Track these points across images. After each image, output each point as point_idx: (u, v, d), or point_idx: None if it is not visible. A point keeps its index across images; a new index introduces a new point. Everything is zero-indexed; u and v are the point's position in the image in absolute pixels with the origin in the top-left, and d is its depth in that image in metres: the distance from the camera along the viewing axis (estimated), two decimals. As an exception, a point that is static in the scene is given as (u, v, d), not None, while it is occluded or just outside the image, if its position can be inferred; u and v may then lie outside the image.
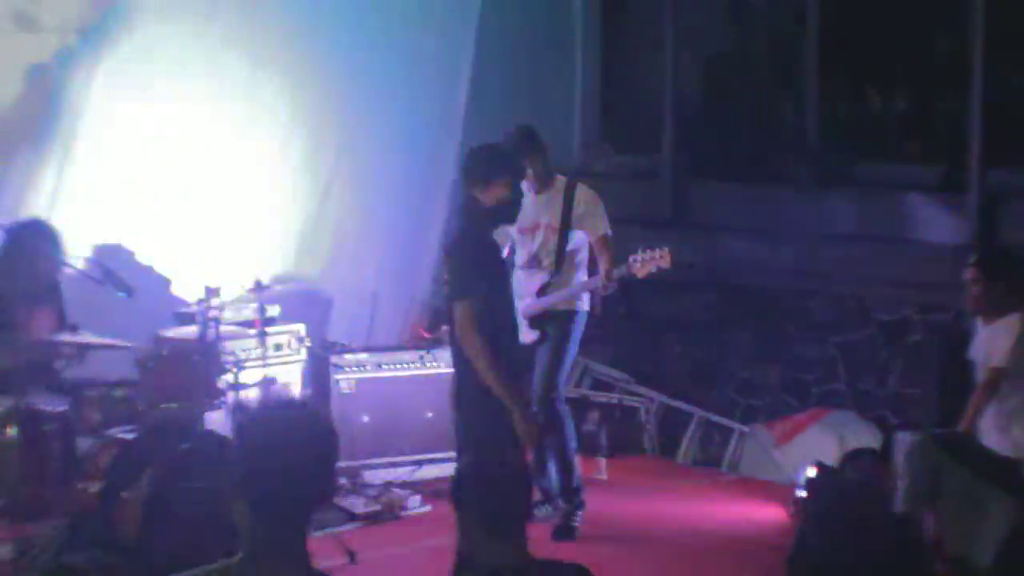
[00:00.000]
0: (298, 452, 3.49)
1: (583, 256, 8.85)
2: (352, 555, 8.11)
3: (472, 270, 6.76)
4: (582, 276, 8.83)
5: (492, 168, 6.95)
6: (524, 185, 8.62)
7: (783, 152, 11.68)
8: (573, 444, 8.81)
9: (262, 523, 3.48)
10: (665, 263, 8.41)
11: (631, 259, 8.45)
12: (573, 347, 8.83)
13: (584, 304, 8.84)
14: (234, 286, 9.30)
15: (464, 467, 4.72)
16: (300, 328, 9.66)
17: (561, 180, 8.86)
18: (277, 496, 3.47)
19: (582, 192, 8.79)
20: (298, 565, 3.52)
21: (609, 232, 8.74)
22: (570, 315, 8.77)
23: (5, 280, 8.02)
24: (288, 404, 3.99)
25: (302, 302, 10.26)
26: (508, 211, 7.04)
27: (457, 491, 4.60)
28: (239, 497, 3.48)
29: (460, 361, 6.95)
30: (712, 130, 11.89)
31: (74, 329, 8.07)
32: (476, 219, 6.91)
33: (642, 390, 10.92)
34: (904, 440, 8.14)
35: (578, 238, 8.78)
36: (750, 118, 11.85)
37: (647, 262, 8.42)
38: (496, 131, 8.87)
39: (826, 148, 11.30)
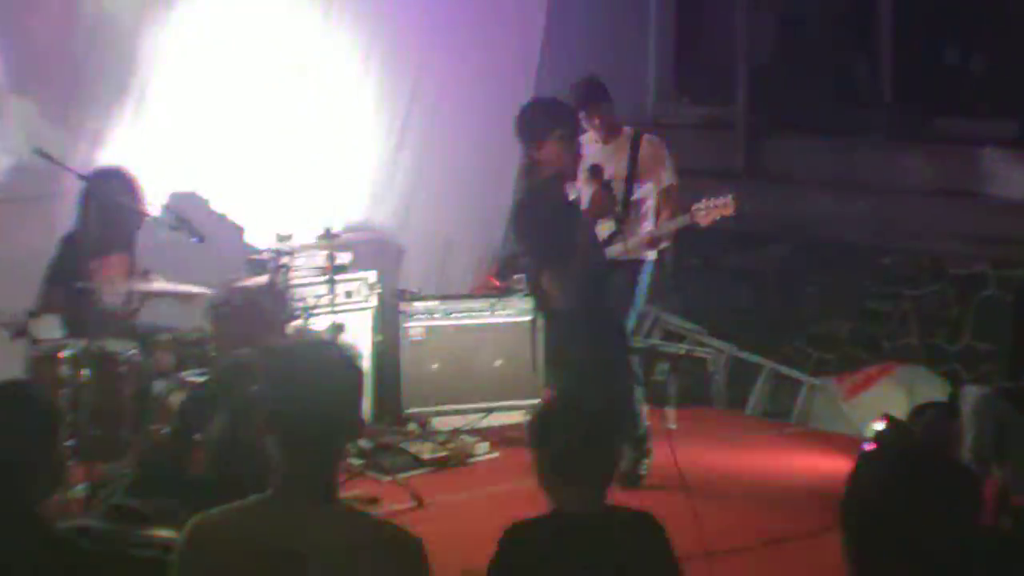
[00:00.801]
0: (324, 387, 3.55)
1: (649, 206, 8.80)
2: (419, 500, 8.19)
3: (544, 238, 6.60)
4: (649, 226, 8.80)
5: (542, 125, 6.78)
6: (588, 136, 8.65)
7: (857, 106, 11.61)
8: (637, 392, 8.80)
9: (290, 458, 3.55)
10: (729, 211, 8.37)
11: (694, 208, 8.43)
12: (640, 297, 8.81)
13: (651, 254, 8.83)
14: (306, 234, 9.36)
15: (544, 408, 4.71)
16: (371, 276, 9.71)
17: (627, 131, 8.82)
18: (304, 431, 3.53)
19: (648, 142, 8.77)
20: (326, 499, 3.58)
21: (674, 182, 8.72)
22: (637, 265, 8.74)
23: (83, 227, 8.09)
24: (314, 341, 4.06)
25: (374, 250, 10.31)
26: (566, 167, 6.90)
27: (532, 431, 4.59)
28: (268, 432, 3.55)
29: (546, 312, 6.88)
30: (786, 82, 11.83)
31: (147, 275, 8.14)
32: (537, 180, 6.76)
33: (712, 341, 10.90)
34: (971, 393, 8.12)
35: (644, 188, 8.75)
36: (825, 70, 11.77)
37: (711, 210, 8.40)
38: (570, 81, 8.87)
39: (900, 102, 11.22)
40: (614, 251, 8.60)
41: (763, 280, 11.27)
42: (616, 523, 4.49)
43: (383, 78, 10.62)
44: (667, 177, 8.74)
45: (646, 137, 8.82)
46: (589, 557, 4.32)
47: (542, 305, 6.85)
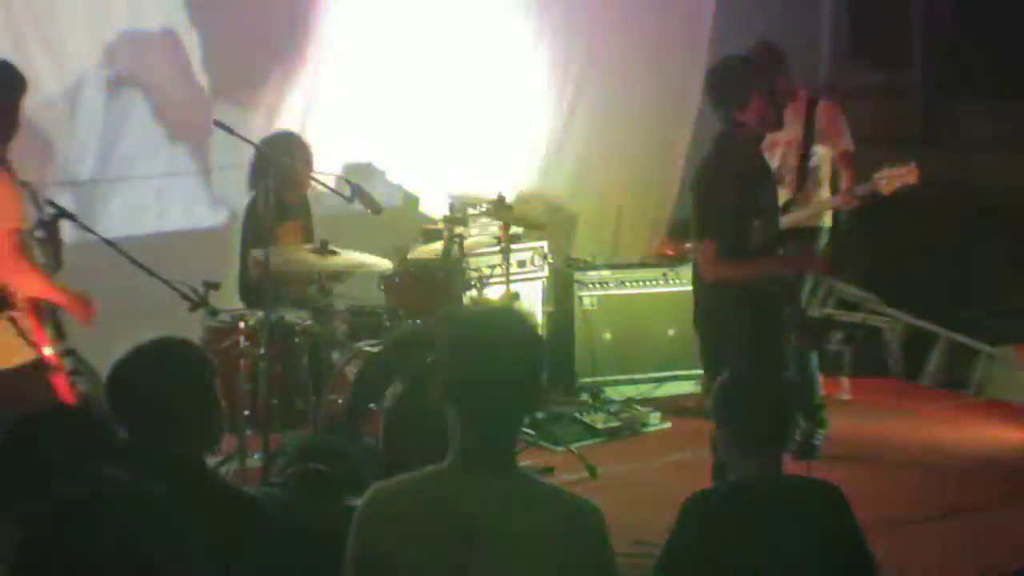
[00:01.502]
0: (507, 356, 3.52)
1: (824, 172, 8.73)
2: (592, 469, 8.22)
3: (714, 208, 6.44)
4: (824, 193, 8.72)
5: (745, 84, 6.49)
6: None
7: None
8: (814, 362, 8.73)
9: (471, 428, 3.54)
10: (912, 179, 8.19)
11: (876, 176, 8.25)
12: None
13: (827, 221, 8.73)
14: (480, 204, 9.40)
15: (727, 381, 4.70)
16: (544, 245, 9.73)
17: (803, 95, 8.72)
18: (486, 400, 3.52)
19: (824, 107, 8.66)
20: (505, 468, 3.58)
21: (851, 147, 8.60)
22: (813, 233, 8.65)
23: (258, 194, 8.18)
24: (495, 309, 4.04)
25: (547, 219, 10.32)
26: (772, 124, 6.61)
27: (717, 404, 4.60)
28: (448, 403, 3.55)
29: (700, 287, 6.79)
30: (964, 45, 11.61)
31: (325, 246, 8.22)
32: (737, 143, 6.48)
33: (888, 310, 10.76)
34: None
35: (820, 154, 8.67)
36: (1004, 32, 11.53)
37: (893, 178, 8.20)
38: (743, 49, 8.78)
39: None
40: (789, 219, 8.48)
41: (940, 248, 11.09)
42: (797, 493, 4.48)
43: (555, 46, 10.63)
44: (844, 142, 8.63)
45: (822, 102, 8.72)
46: (771, 527, 4.32)
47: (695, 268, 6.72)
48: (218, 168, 9.24)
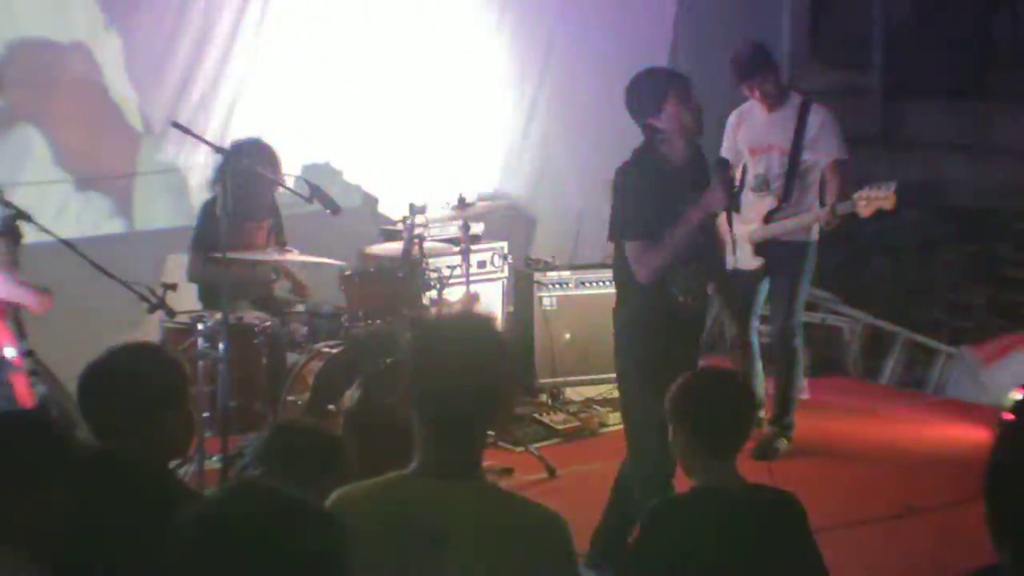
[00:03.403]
0: (468, 364, 3.49)
1: (813, 179, 8.46)
2: (551, 470, 8.22)
3: (632, 208, 6.39)
4: (813, 201, 8.46)
5: (658, 91, 6.49)
6: (752, 105, 8.52)
7: (997, 66, 11.42)
8: (800, 382, 8.67)
9: (436, 435, 3.52)
10: (889, 204, 8.02)
11: (856, 196, 8.10)
12: (807, 281, 8.60)
13: (815, 234, 8.50)
14: (439, 204, 9.39)
15: (686, 382, 4.69)
16: (504, 245, 9.73)
17: (796, 98, 8.50)
18: (451, 408, 3.50)
19: (817, 112, 8.43)
20: (469, 475, 3.56)
21: (844, 156, 8.39)
22: (803, 247, 8.48)
23: (221, 198, 8.15)
24: (459, 315, 4.01)
25: (506, 220, 10.33)
26: (690, 127, 6.54)
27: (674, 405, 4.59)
28: (413, 409, 3.53)
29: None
30: (922, 46, 11.66)
31: (282, 247, 8.21)
32: (655, 147, 6.45)
33: (847, 310, 10.80)
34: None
35: (810, 161, 8.41)
36: (962, 32, 11.58)
37: (872, 201, 8.08)
38: (703, 50, 8.79)
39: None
40: (772, 230, 8.40)
41: (899, 248, 11.14)
42: (758, 500, 4.48)
43: (515, 48, 10.64)
44: (836, 150, 8.43)
45: (815, 106, 8.51)
46: (732, 534, 4.31)
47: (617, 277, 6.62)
48: (176, 170, 9.20)
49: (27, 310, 6.68)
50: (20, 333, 6.65)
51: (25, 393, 6.45)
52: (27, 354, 6.65)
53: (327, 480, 4.81)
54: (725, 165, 7.47)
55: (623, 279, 6.48)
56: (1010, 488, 2.94)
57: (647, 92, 6.39)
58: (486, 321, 3.68)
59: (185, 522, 2.73)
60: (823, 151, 8.35)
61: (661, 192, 6.26)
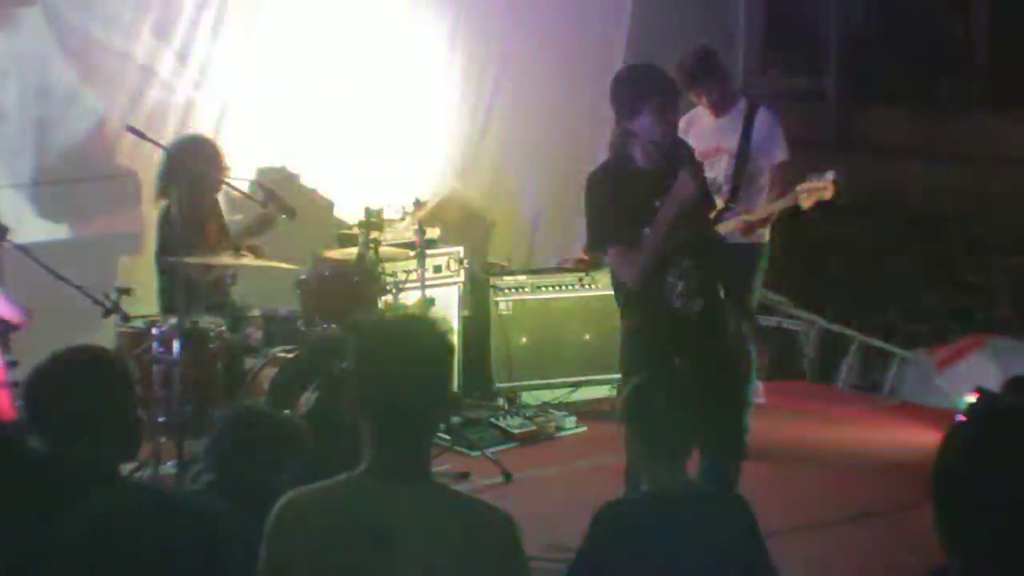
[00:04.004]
0: (415, 365, 3.50)
1: (763, 183, 8.46)
2: (508, 475, 8.22)
3: (605, 214, 6.38)
4: (761, 203, 8.46)
5: (638, 94, 6.48)
6: (700, 110, 8.52)
7: (952, 72, 11.48)
8: (753, 386, 8.66)
9: (382, 437, 3.53)
10: (828, 194, 8.03)
11: (797, 190, 8.16)
12: (759, 282, 8.62)
13: (766, 235, 8.52)
14: (395, 208, 9.38)
15: (639, 383, 4.70)
16: (460, 250, 9.73)
17: (742, 103, 8.53)
18: (396, 410, 3.51)
19: (764, 115, 8.45)
20: (418, 476, 3.56)
21: (786, 159, 8.42)
22: (755, 249, 8.48)
23: (171, 200, 8.13)
24: (403, 317, 4.03)
25: (462, 224, 10.33)
26: (659, 134, 6.52)
27: (626, 406, 4.59)
28: (358, 411, 3.54)
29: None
30: (878, 52, 11.71)
31: (237, 250, 8.19)
32: (626, 150, 6.46)
33: (802, 314, 10.84)
34: (1065, 366, 8.02)
35: (759, 164, 8.42)
36: (917, 39, 11.64)
37: (812, 192, 8.10)
38: (659, 54, 8.77)
39: (997, 67, 11.08)
40: (722, 231, 8.37)
41: (854, 252, 11.18)
42: (708, 502, 4.49)
43: (470, 51, 10.63)
44: (779, 153, 8.46)
45: (762, 109, 8.51)
46: (682, 536, 4.32)
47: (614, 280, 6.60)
48: (128, 173, 9.16)
49: (10, 323, 6.68)
50: (5, 345, 6.63)
51: (7, 407, 6.42)
52: (12, 365, 6.64)
53: (287, 464, 4.83)
54: (691, 153, 7.45)
55: (618, 290, 6.48)
56: (957, 491, 2.96)
57: (626, 95, 6.38)
58: (428, 321, 3.69)
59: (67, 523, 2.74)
60: (769, 154, 8.38)
61: (632, 194, 6.26)
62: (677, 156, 6.38)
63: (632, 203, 6.24)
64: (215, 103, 9.44)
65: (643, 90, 6.35)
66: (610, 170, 6.41)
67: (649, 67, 6.73)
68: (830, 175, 8.07)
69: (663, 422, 4.47)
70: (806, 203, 8.12)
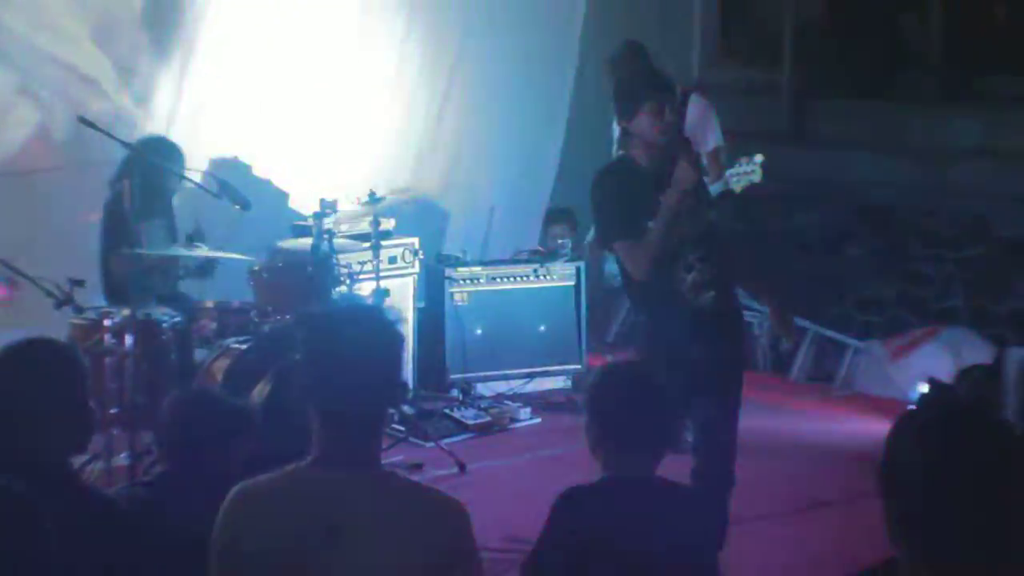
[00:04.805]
0: (362, 355, 3.51)
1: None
2: (462, 465, 8.22)
3: (610, 211, 6.41)
4: None
5: (633, 97, 6.49)
6: None
7: (906, 66, 11.52)
8: None
9: (330, 427, 3.54)
10: (756, 178, 8.08)
11: (728, 173, 8.20)
12: None
13: None
14: (350, 199, 9.36)
15: (600, 373, 4.69)
16: (415, 241, 9.72)
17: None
18: (343, 400, 3.51)
19: (695, 103, 8.54)
20: (368, 466, 3.57)
21: (721, 144, 8.51)
22: None
23: (123, 192, 8.10)
24: (351, 307, 4.02)
25: (418, 215, 10.32)
26: (652, 138, 6.52)
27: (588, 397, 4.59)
28: (307, 402, 3.54)
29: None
30: (833, 44, 11.74)
31: (190, 242, 8.16)
32: (628, 150, 6.47)
33: (756, 305, 10.84)
34: (1016, 356, 8.06)
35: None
36: (872, 31, 11.68)
37: (741, 176, 8.13)
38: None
39: (950, 61, 11.12)
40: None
41: (808, 243, 11.21)
42: (665, 494, 4.49)
43: (426, 44, 10.62)
44: (713, 139, 8.55)
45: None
46: (640, 526, 4.32)
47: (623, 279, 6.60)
48: (79, 165, 9.11)
49: None
50: None
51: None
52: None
53: (235, 444, 4.83)
54: (687, 143, 7.47)
55: (629, 287, 6.50)
56: (905, 482, 2.97)
57: (625, 96, 6.42)
58: (375, 309, 3.70)
59: None
60: (703, 140, 8.43)
61: (635, 191, 6.28)
62: (675, 152, 6.41)
63: (637, 200, 6.26)
64: (169, 92, 9.41)
65: (639, 92, 6.39)
66: (614, 169, 6.48)
67: (646, 68, 6.81)
68: (758, 158, 8.06)
69: (626, 413, 4.47)
70: (737, 187, 8.15)
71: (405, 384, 3.67)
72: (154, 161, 8.03)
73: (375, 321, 3.61)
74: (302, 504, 3.50)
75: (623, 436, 4.45)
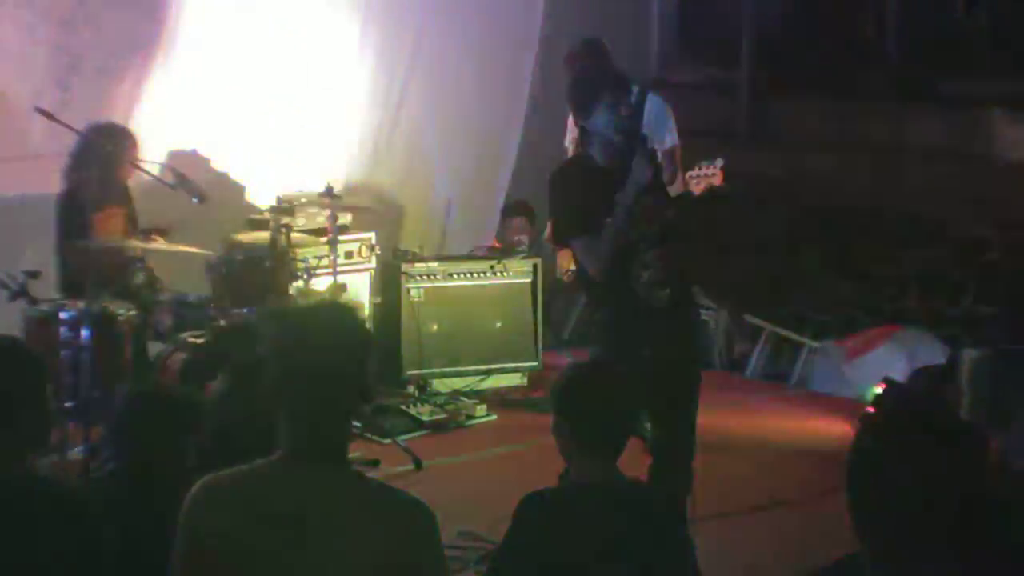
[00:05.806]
0: (331, 352, 3.50)
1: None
2: (418, 462, 8.19)
3: (567, 208, 6.43)
4: None
5: (588, 94, 6.49)
6: None
7: (863, 67, 11.56)
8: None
9: (298, 424, 3.52)
10: (717, 180, 8.06)
11: (688, 175, 8.19)
12: None
13: None
14: (307, 194, 9.33)
15: (570, 374, 4.67)
16: (371, 236, 9.69)
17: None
18: (312, 397, 3.50)
19: (652, 101, 8.56)
20: (334, 463, 3.55)
21: (676, 143, 8.53)
22: None
23: (80, 184, 8.06)
24: (320, 304, 4.00)
25: (374, 210, 10.29)
26: (611, 132, 6.52)
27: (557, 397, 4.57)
28: (275, 398, 3.52)
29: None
30: (791, 45, 11.78)
31: (147, 235, 8.12)
32: (583, 147, 6.49)
33: (712, 304, 10.87)
34: (970, 357, 8.09)
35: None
36: (830, 32, 11.71)
37: (701, 179, 8.12)
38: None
39: (907, 62, 11.16)
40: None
41: (765, 243, 11.23)
42: (631, 497, 4.48)
43: (383, 39, 10.59)
44: (670, 139, 8.57)
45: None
46: (604, 530, 4.31)
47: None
48: (39, 156, 9.04)
49: None
50: None
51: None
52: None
53: (184, 440, 4.79)
54: (644, 139, 7.46)
55: (585, 284, 6.49)
56: (869, 479, 2.99)
57: (579, 96, 6.42)
58: (344, 307, 3.68)
59: None
60: (659, 139, 8.43)
61: (591, 188, 6.28)
62: (631, 149, 6.40)
63: (594, 197, 6.26)
64: (128, 86, 9.36)
65: (593, 90, 6.39)
66: (572, 167, 6.48)
67: (597, 66, 6.82)
68: (719, 162, 8.06)
69: (592, 415, 4.45)
70: (696, 189, 8.14)
71: (370, 384, 3.66)
72: (108, 148, 7.97)
73: (344, 317, 3.61)
74: (268, 500, 3.48)
75: (592, 436, 4.44)
